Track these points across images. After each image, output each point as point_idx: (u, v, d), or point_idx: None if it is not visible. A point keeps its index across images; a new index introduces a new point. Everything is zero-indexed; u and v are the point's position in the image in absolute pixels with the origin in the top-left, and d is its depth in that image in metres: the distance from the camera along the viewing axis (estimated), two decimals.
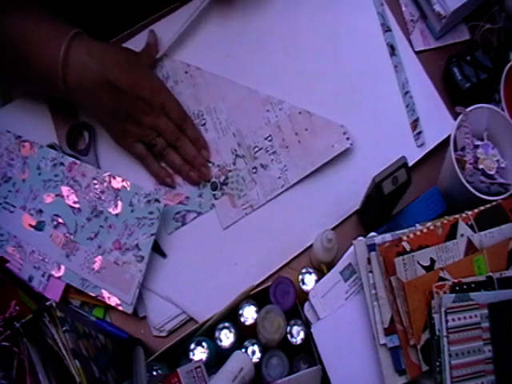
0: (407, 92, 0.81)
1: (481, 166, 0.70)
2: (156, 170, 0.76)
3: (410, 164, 0.70)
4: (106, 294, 0.72)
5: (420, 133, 0.80)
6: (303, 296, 0.68)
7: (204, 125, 0.79)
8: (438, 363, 0.59)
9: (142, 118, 0.73)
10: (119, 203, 0.74)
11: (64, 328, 0.54)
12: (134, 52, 0.76)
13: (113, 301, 0.72)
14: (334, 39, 0.83)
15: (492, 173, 0.70)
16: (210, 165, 0.77)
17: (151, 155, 0.76)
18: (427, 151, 0.79)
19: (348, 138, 0.78)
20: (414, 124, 0.80)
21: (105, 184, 0.74)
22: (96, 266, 0.72)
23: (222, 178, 0.77)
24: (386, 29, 0.84)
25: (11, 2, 0.69)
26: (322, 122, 0.78)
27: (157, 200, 0.73)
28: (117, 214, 0.74)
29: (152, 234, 0.73)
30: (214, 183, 0.76)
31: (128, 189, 0.74)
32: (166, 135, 0.74)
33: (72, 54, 0.68)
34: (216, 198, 0.76)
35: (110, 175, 0.75)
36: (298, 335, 0.66)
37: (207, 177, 0.77)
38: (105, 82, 0.69)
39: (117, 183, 0.74)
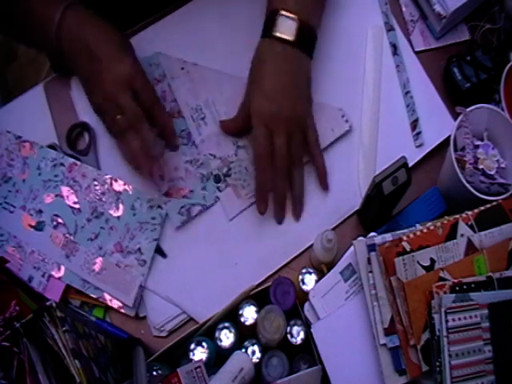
0: (408, 92, 0.82)
1: (481, 166, 0.70)
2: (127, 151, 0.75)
3: (410, 164, 0.70)
4: (107, 296, 0.72)
5: (419, 133, 0.80)
6: (303, 296, 0.68)
7: (203, 118, 0.78)
8: (437, 363, 0.59)
9: (105, 89, 0.71)
10: (120, 206, 0.74)
11: (64, 328, 0.54)
12: (125, 40, 0.76)
13: (115, 303, 0.72)
14: (335, 38, 0.84)
15: (492, 173, 0.70)
16: (212, 157, 0.77)
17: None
18: (427, 151, 0.79)
19: (347, 121, 0.78)
20: (414, 124, 0.80)
21: (106, 186, 0.74)
22: (96, 267, 0.72)
23: (225, 169, 0.76)
24: (389, 28, 0.84)
25: None
26: (320, 106, 0.78)
27: (159, 206, 0.73)
28: (118, 217, 0.74)
29: (155, 239, 0.73)
30: (216, 176, 0.76)
31: (130, 192, 0.74)
32: (126, 114, 0.71)
33: (65, 24, 0.71)
34: (220, 191, 0.76)
35: (111, 178, 0.75)
36: (298, 335, 0.66)
37: (154, 176, 0.74)
38: (88, 53, 0.71)
39: (118, 186, 0.74)
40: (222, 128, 0.77)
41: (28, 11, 0.73)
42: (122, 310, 0.72)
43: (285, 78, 0.73)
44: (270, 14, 0.74)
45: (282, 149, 0.72)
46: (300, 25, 0.72)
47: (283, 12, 0.72)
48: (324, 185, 0.77)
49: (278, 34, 0.72)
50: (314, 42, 0.76)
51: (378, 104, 0.81)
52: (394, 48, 0.84)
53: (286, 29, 0.72)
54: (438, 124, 0.80)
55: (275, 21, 0.72)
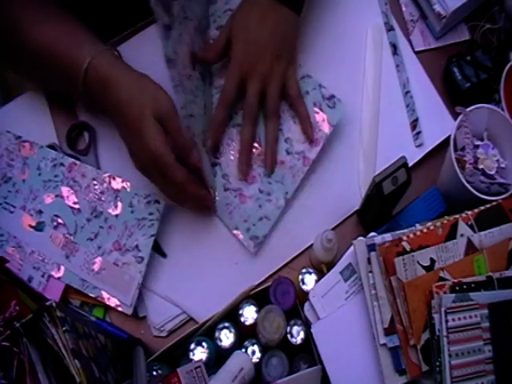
0: (408, 92, 0.82)
1: (481, 166, 0.70)
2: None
3: (410, 164, 0.70)
4: (105, 295, 0.72)
5: (419, 133, 0.80)
6: (303, 296, 0.68)
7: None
8: (437, 363, 0.59)
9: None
10: (119, 204, 0.74)
11: (64, 328, 0.54)
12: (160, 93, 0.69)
13: (112, 302, 0.72)
14: (335, 38, 0.84)
15: (492, 173, 0.70)
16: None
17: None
18: (427, 151, 0.79)
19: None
20: (414, 124, 0.80)
21: (104, 185, 0.74)
22: (96, 267, 0.72)
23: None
24: (389, 28, 0.84)
25: (39, 12, 0.71)
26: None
27: (157, 201, 0.73)
28: (116, 215, 0.74)
29: (152, 235, 0.73)
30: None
31: (128, 189, 0.74)
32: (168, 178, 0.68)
33: (91, 74, 0.68)
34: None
35: (109, 176, 0.75)
36: (298, 335, 0.66)
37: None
38: (120, 117, 0.69)
39: (116, 184, 0.74)
40: (198, 57, 0.74)
41: (53, 56, 0.70)
42: (120, 309, 0.72)
43: (270, 28, 0.72)
44: None
45: (252, 97, 0.73)
46: None
47: None
48: (309, 135, 0.75)
49: None
50: (303, 0, 0.76)
51: (378, 104, 0.81)
52: (394, 48, 0.84)
53: None
54: (438, 124, 0.80)
55: None
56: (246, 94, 0.73)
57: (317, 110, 0.76)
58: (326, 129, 0.76)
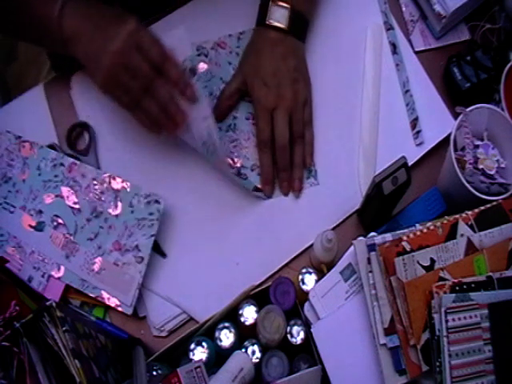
0: (407, 91, 0.82)
1: (481, 166, 0.70)
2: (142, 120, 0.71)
3: (410, 163, 0.70)
4: (105, 295, 0.72)
5: (419, 132, 0.80)
6: (303, 296, 0.68)
7: None
8: (438, 363, 0.59)
9: (111, 54, 0.66)
10: (119, 204, 0.74)
11: (64, 328, 0.54)
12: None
13: (112, 302, 0.72)
14: (334, 37, 0.84)
15: (492, 173, 0.70)
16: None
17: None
18: (427, 150, 0.79)
19: None
20: (414, 123, 0.80)
21: (104, 185, 0.74)
22: (96, 267, 0.72)
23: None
24: (389, 27, 0.84)
25: None
26: None
27: (157, 201, 0.73)
28: (117, 215, 0.74)
29: (152, 235, 0.73)
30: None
31: (128, 189, 0.74)
32: (138, 76, 0.67)
33: (66, 16, 0.68)
34: None
35: (109, 176, 0.75)
36: (298, 335, 0.66)
37: (180, 126, 0.70)
38: (92, 28, 0.68)
39: (117, 184, 0.74)
40: (220, 107, 0.79)
41: (25, 8, 0.70)
42: (120, 309, 0.72)
43: (281, 62, 0.76)
44: (263, 4, 0.78)
45: (282, 130, 0.75)
46: (292, 13, 0.76)
47: (276, 1, 0.76)
48: (309, 160, 0.79)
49: (271, 22, 0.76)
50: (306, 28, 0.80)
51: (378, 103, 0.81)
52: (394, 47, 0.84)
53: (279, 17, 0.76)
54: (438, 122, 0.80)
55: (268, 10, 0.77)
56: (275, 125, 0.76)
57: None
58: None
